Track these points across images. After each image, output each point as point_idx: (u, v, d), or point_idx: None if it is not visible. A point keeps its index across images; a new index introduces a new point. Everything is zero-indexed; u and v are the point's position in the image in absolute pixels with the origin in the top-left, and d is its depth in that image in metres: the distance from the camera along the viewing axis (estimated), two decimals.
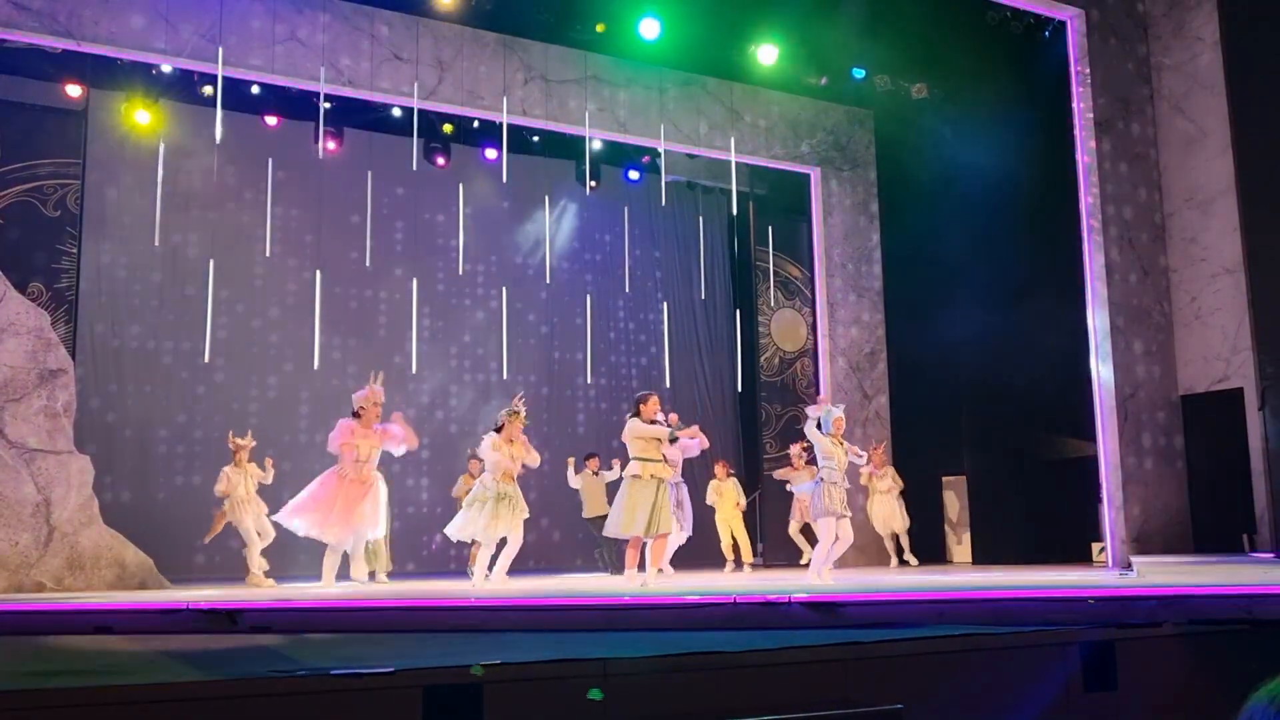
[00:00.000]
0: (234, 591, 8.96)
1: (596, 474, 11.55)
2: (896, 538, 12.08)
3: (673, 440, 8.57)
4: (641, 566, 8.59)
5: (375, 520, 8.92)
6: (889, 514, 11.97)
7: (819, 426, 8.83)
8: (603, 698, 3.63)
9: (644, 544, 8.58)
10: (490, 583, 8.71)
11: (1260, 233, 10.41)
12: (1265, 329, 10.29)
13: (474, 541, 9.07)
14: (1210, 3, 11.09)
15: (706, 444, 9.30)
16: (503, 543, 8.73)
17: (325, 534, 8.69)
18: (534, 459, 8.85)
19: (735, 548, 11.93)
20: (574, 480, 11.64)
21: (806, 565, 11.96)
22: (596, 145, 12.91)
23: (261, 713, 3.39)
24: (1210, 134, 11.06)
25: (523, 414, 8.86)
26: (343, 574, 9.02)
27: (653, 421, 8.50)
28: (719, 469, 12.05)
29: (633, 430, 8.44)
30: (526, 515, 8.78)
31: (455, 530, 8.75)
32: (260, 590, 9.46)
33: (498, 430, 8.74)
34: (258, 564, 9.87)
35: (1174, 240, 11.41)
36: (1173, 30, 11.54)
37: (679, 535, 9.97)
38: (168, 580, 9.92)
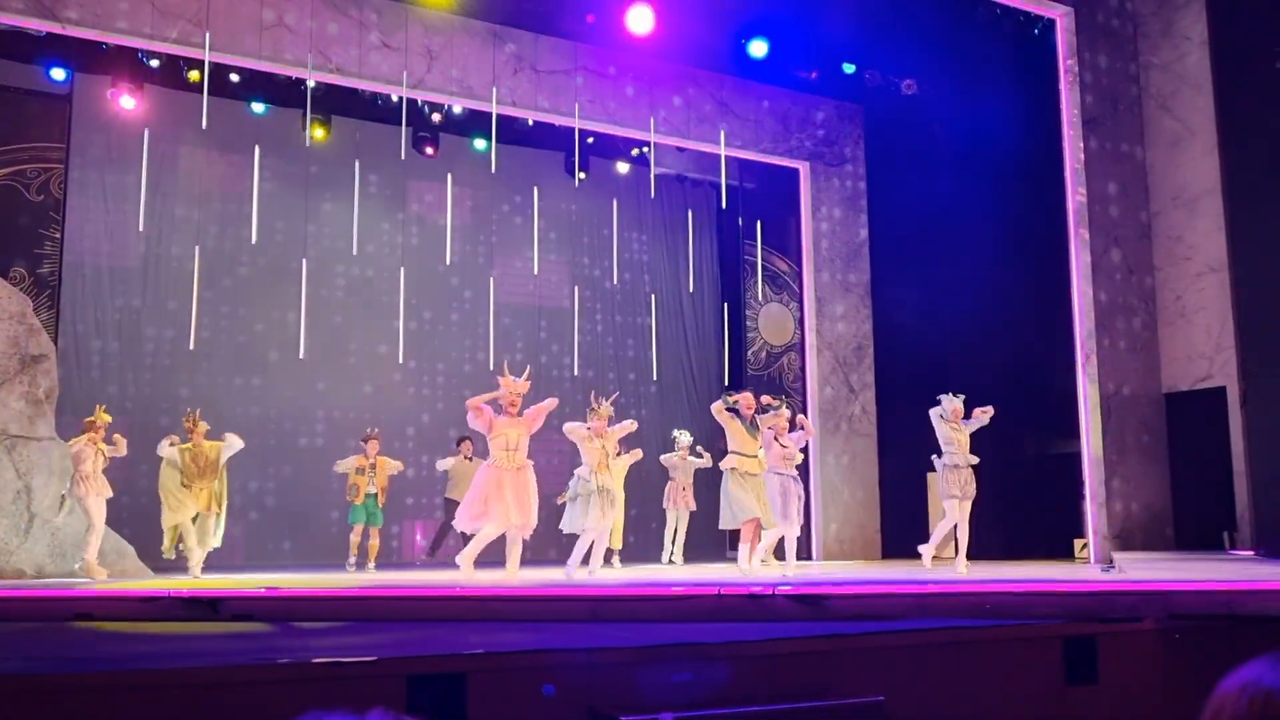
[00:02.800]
0: (215, 580, 8.93)
1: (470, 459, 11.31)
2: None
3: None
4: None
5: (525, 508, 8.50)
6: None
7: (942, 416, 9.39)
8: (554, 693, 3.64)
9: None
10: (589, 574, 8.81)
11: (1245, 232, 10.46)
12: (1249, 328, 10.35)
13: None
14: (1198, 3, 11.14)
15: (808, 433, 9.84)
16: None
17: (480, 526, 8.42)
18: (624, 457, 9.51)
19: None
20: (444, 463, 11.56)
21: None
22: (590, 140, 12.88)
23: (242, 701, 3.38)
24: (1197, 133, 11.11)
25: (600, 409, 8.93)
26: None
27: (736, 413, 8.94)
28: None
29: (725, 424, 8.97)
30: (621, 504, 9.27)
31: (566, 524, 8.99)
32: (242, 578, 9.42)
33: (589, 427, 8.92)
34: (94, 550, 8.98)
35: (1159, 239, 11.46)
36: (1161, 29, 11.58)
37: (789, 528, 9.27)
38: (149, 568, 9.88)
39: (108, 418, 9.37)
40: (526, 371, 8.86)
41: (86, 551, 8.98)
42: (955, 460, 9.33)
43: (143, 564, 9.86)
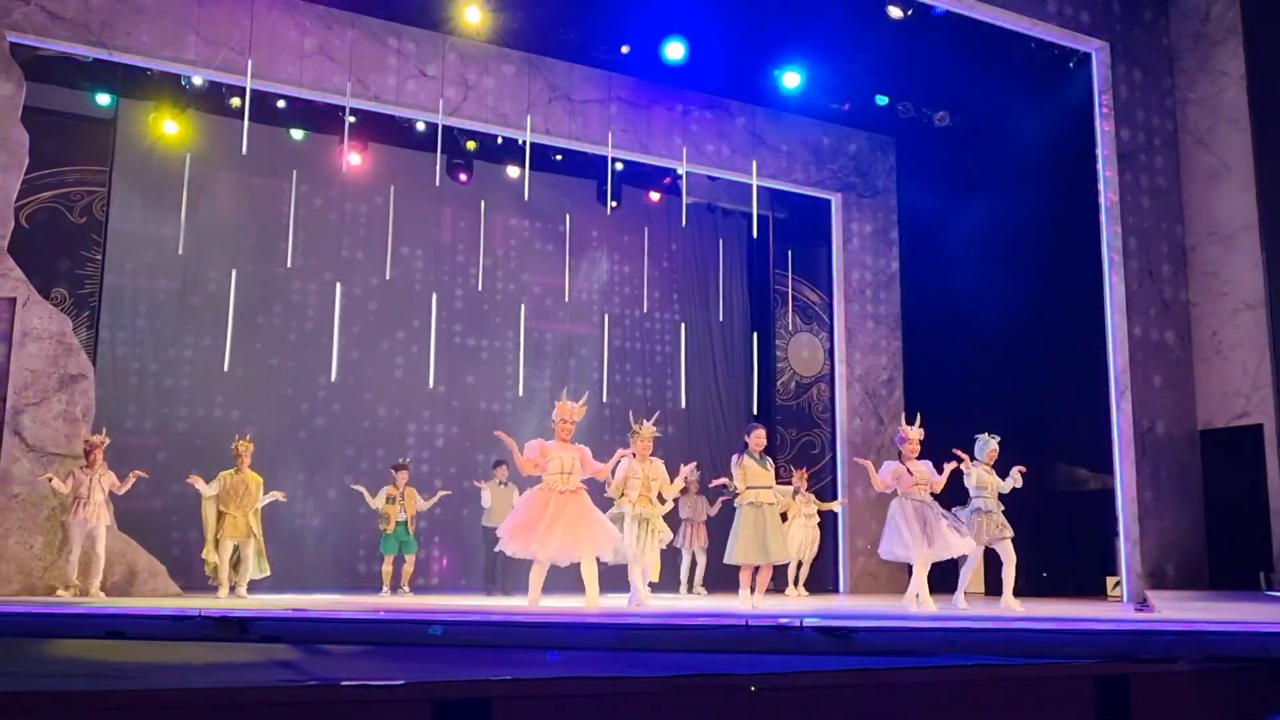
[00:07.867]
0: (245, 600, 8.98)
1: (504, 484, 11.27)
2: (800, 564, 11.76)
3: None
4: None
5: (594, 535, 8.07)
6: (805, 540, 11.71)
7: (973, 456, 9.16)
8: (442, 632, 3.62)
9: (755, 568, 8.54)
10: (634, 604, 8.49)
11: None
12: None
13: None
14: (1236, 38, 11.09)
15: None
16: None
17: (529, 552, 8.01)
18: (670, 489, 8.70)
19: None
20: (485, 498, 11.39)
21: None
22: (618, 165, 12.96)
23: None
24: (1234, 169, 11.03)
25: (644, 431, 8.61)
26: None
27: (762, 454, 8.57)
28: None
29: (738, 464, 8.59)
30: (667, 539, 8.67)
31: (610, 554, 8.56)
32: (272, 599, 9.47)
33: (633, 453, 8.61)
34: (74, 574, 9.11)
35: (1195, 274, 11.36)
36: (1198, 64, 11.53)
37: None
38: (179, 586, 9.96)
39: (96, 440, 9.44)
40: (584, 398, 8.57)
41: (70, 571, 9.11)
42: (987, 505, 9.21)
43: (173, 581, 9.95)
